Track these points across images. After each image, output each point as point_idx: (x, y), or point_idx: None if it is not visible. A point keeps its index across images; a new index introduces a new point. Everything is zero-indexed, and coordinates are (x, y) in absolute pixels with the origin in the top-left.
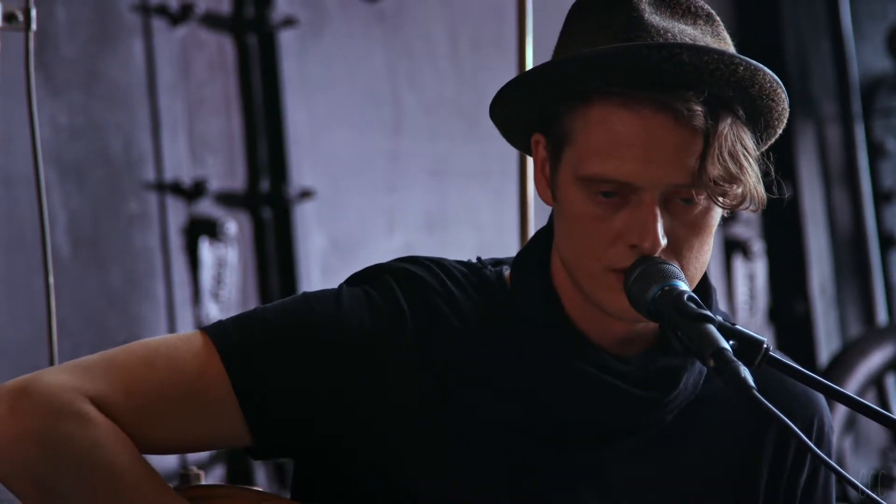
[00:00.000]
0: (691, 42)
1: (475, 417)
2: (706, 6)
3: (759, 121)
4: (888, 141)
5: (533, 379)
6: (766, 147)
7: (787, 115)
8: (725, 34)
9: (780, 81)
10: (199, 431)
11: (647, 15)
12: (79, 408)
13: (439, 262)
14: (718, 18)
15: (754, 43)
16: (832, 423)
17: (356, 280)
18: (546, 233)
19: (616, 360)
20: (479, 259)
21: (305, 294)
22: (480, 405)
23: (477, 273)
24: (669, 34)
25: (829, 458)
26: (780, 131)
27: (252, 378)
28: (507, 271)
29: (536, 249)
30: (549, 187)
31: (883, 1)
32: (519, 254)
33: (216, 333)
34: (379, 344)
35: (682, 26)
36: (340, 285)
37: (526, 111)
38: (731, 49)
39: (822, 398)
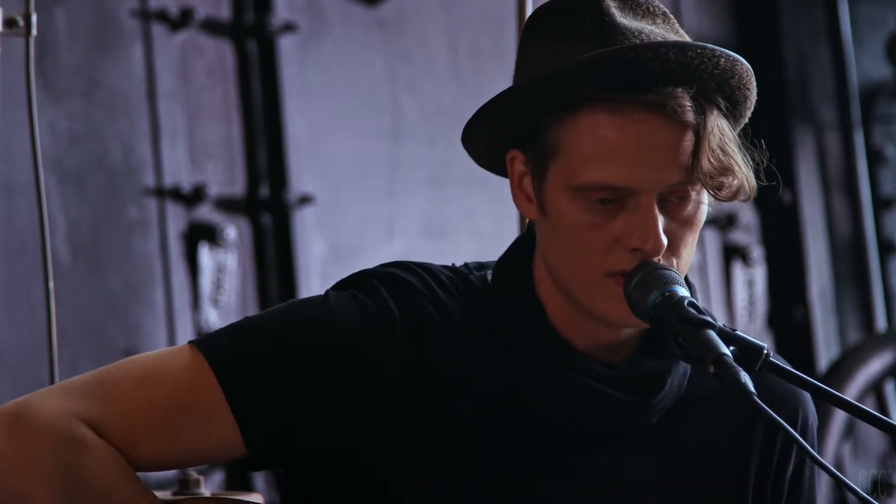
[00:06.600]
0: (667, 40)
1: (464, 420)
2: (661, 5)
3: (735, 110)
4: (887, 148)
5: (520, 383)
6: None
7: (754, 104)
8: (683, 31)
9: (752, 71)
10: (194, 446)
11: (618, 18)
12: (74, 432)
13: (426, 267)
14: (673, 17)
15: (753, 49)
16: (816, 417)
17: (343, 285)
18: (525, 242)
19: (602, 366)
20: (465, 265)
21: (294, 301)
22: (469, 408)
23: (463, 279)
24: (644, 35)
25: (814, 449)
26: (745, 121)
27: (245, 388)
28: (490, 276)
29: (517, 259)
30: (534, 201)
31: (882, 8)
32: (498, 264)
33: (206, 346)
34: (370, 345)
35: (650, 27)
36: (327, 291)
37: (501, 130)
38: None
39: (806, 394)
